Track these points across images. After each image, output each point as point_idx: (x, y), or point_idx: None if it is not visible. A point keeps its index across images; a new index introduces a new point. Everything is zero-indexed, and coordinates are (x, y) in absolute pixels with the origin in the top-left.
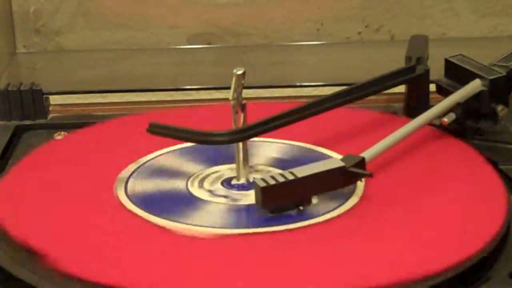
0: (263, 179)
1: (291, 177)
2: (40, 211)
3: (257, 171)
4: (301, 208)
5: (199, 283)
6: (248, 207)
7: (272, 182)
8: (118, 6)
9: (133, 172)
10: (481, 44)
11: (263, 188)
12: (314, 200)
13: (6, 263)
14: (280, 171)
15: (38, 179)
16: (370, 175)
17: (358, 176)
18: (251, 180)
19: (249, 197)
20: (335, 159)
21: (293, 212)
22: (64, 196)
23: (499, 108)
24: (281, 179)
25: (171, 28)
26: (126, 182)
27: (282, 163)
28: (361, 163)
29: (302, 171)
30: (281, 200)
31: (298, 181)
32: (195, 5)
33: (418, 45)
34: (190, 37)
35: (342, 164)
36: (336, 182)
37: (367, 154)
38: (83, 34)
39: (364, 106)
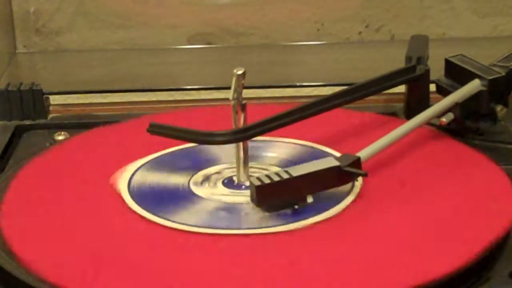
0: (258, 178)
1: (286, 176)
2: (42, 215)
3: (257, 170)
4: (296, 207)
5: (193, 282)
6: (246, 206)
7: (267, 181)
8: (118, 6)
9: (137, 170)
10: (481, 44)
11: (258, 187)
12: (309, 199)
13: (6, 263)
14: (277, 169)
15: (39, 184)
16: (365, 175)
17: (353, 176)
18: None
19: (248, 197)
20: (330, 158)
21: (288, 211)
22: (65, 198)
23: (499, 108)
24: (276, 178)
25: (171, 28)
26: (130, 179)
27: (282, 163)
28: (357, 162)
29: (297, 170)
30: (276, 199)
31: (293, 180)
32: (195, 5)
33: (418, 45)
34: (190, 37)
35: (337, 163)
36: (331, 181)
37: (363, 153)
38: (83, 34)
39: (364, 106)
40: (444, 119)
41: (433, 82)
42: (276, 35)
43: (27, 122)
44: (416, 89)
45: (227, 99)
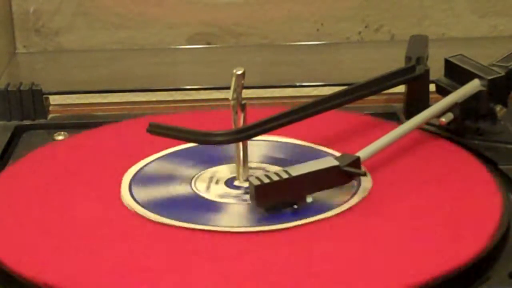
0: (257, 178)
1: (285, 176)
2: (36, 214)
3: (256, 170)
4: (295, 206)
5: (191, 281)
6: (246, 206)
7: (266, 180)
8: (118, 6)
9: (138, 172)
10: (481, 44)
11: (257, 187)
12: (309, 199)
13: (6, 263)
14: (276, 169)
15: (36, 181)
16: (364, 174)
17: (352, 176)
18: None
19: (248, 197)
20: (330, 158)
21: (288, 210)
22: (64, 199)
23: (498, 108)
24: (276, 178)
25: (171, 28)
26: (130, 183)
27: (281, 162)
28: (356, 162)
29: (296, 170)
30: (276, 198)
31: (292, 179)
32: (195, 5)
33: (418, 45)
34: (190, 37)
35: (336, 163)
36: (330, 181)
37: (362, 153)
38: (83, 34)
39: (364, 106)
40: (443, 119)
41: (432, 82)
42: (276, 35)
43: (27, 122)
44: (415, 89)
45: (227, 99)
